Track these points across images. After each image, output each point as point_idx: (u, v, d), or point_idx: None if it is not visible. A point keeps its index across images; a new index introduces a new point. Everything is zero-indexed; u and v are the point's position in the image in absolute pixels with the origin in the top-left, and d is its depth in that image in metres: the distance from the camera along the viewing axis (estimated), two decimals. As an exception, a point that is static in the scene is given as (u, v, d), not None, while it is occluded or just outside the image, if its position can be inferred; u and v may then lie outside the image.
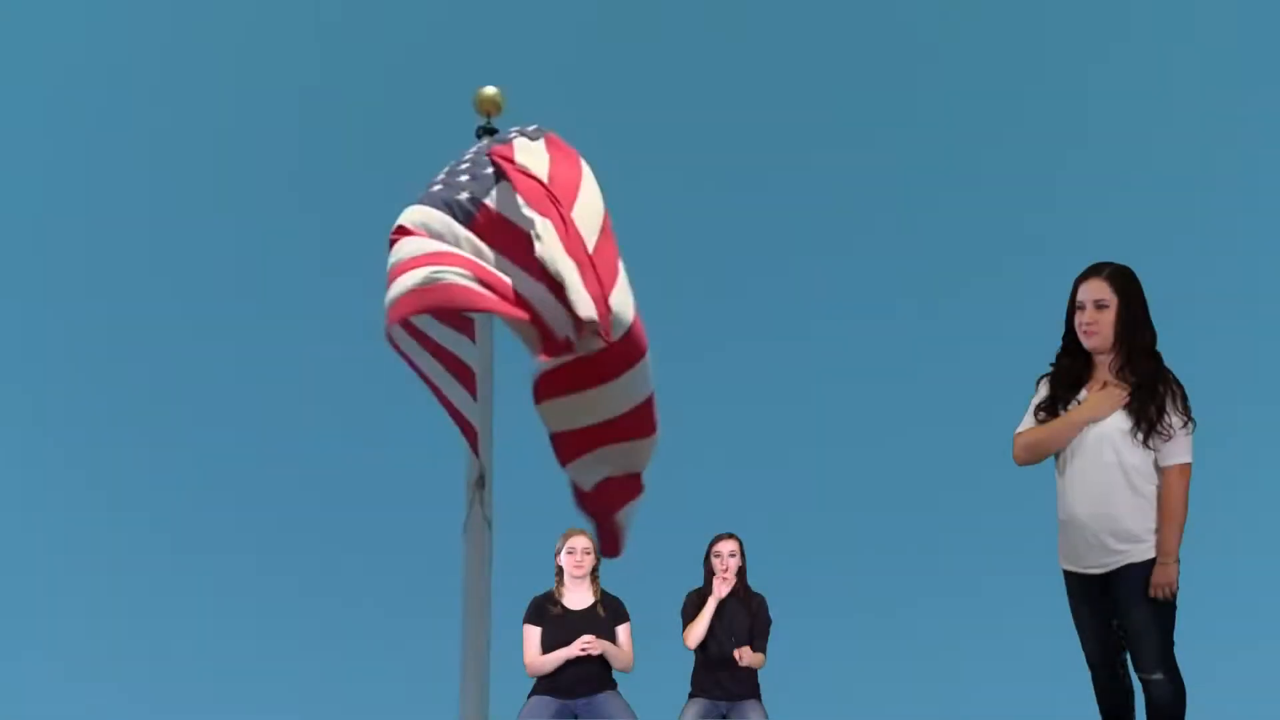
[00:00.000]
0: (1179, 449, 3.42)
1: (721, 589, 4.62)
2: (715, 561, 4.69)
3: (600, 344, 2.06)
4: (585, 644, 4.55)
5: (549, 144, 2.57)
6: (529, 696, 4.65)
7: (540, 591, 4.78)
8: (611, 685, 4.66)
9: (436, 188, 2.50)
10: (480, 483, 2.11)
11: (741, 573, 4.69)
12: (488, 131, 2.47)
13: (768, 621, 4.68)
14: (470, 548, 2.24)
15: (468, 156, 2.74)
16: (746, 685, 4.62)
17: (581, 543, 4.73)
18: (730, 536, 4.74)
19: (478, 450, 2.36)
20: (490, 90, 2.37)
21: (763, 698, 4.65)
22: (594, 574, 4.76)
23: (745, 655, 4.54)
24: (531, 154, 2.50)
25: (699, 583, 4.76)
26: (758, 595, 4.71)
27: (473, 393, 2.33)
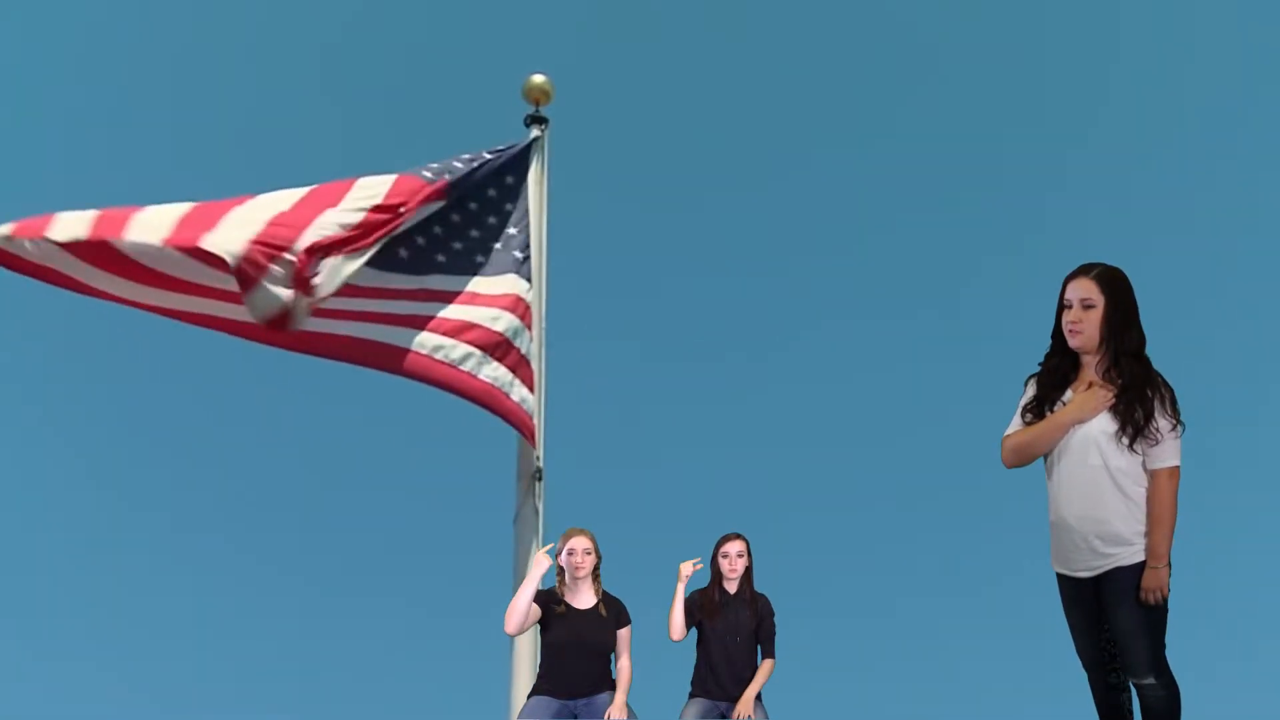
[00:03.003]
0: (1167, 452, 3.42)
1: (686, 569, 4.66)
2: (723, 562, 4.70)
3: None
4: (545, 556, 4.60)
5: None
6: (529, 696, 4.64)
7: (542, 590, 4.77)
8: (611, 685, 4.64)
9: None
10: (538, 475, 2.14)
11: (748, 573, 4.72)
12: (536, 120, 2.49)
13: (774, 625, 4.69)
14: (522, 539, 2.27)
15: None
16: (747, 685, 4.60)
17: (582, 543, 4.73)
18: (738, 537, 4.75)
19: (535, 441, 2.43)
20: (539, 79, 2.39)
21: (763, 698, 4.66)
22: (595, 574, 4.76)
23: (743, 708, 4.53)
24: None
25: (704, 584, 4.77)
26: (762, 596, 4.73)
27: (531, 387, 2.41)
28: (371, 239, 4.49)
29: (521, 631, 4.64)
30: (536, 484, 2.50)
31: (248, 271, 4.15)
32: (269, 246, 4.22)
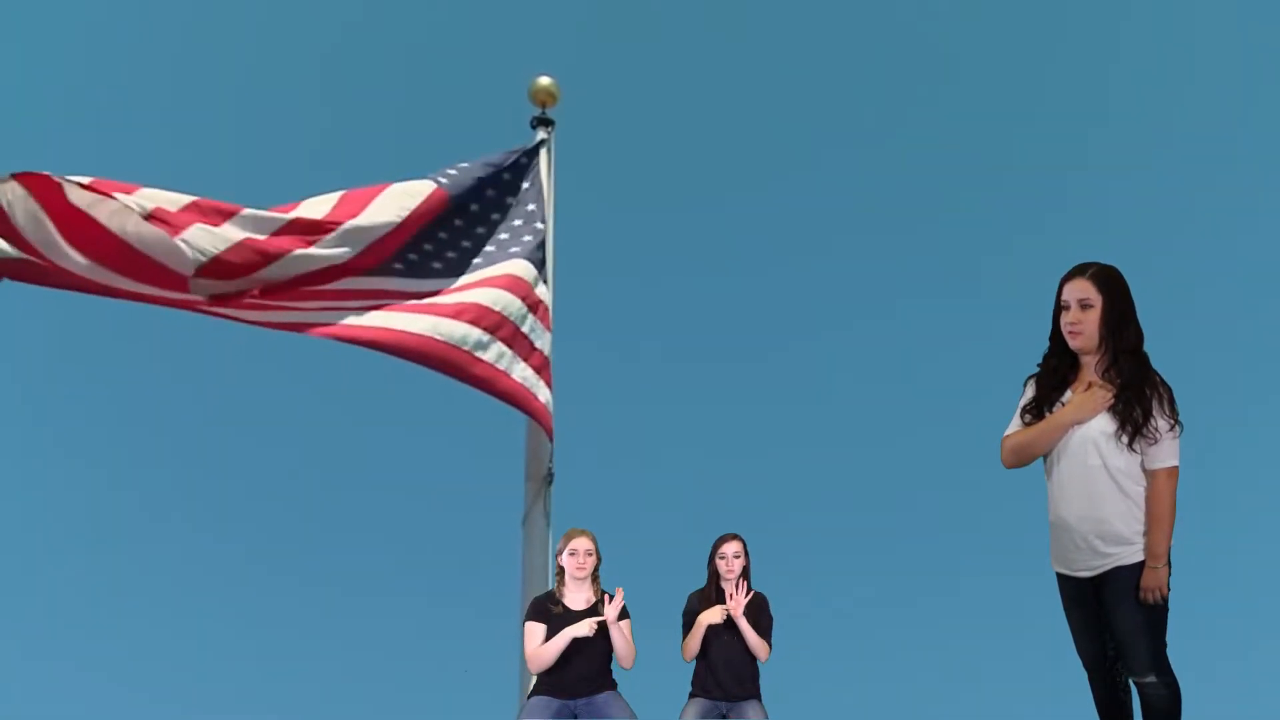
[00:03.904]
0: (1166, 452, 3.43)
1: (719, 615, 4.64)
2: (720, 563, 4.70)
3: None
4: (594, 625, 4.53)
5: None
6: (529, 696, 4.64)
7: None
8: (612, 685, 4.64)
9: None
10: (549, 478, 2.14)
11: (745, 572, 4.72)
12: (543, 122, 2.49)
13: (770, 617, 4.70)
14: (530, 540, 2.27)
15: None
16: (747, 685, 4.62)
17: (583, 544, 4.72)
18: (735, 537, 4.75)
19: (551, 436, 2.43)
20: (545, 80, 2.39)
21: (763, 698, 4.67)
22: (595, 575, 4.75)
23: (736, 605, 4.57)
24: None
25: (702, 583, 4.78)
26: (759, 593, 4.72)
27: (549, 382, 2.42)
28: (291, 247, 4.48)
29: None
30: (547, 486, 2.46)
31: (166, 221, 4.11)
32: (191, 211, 4.21)
